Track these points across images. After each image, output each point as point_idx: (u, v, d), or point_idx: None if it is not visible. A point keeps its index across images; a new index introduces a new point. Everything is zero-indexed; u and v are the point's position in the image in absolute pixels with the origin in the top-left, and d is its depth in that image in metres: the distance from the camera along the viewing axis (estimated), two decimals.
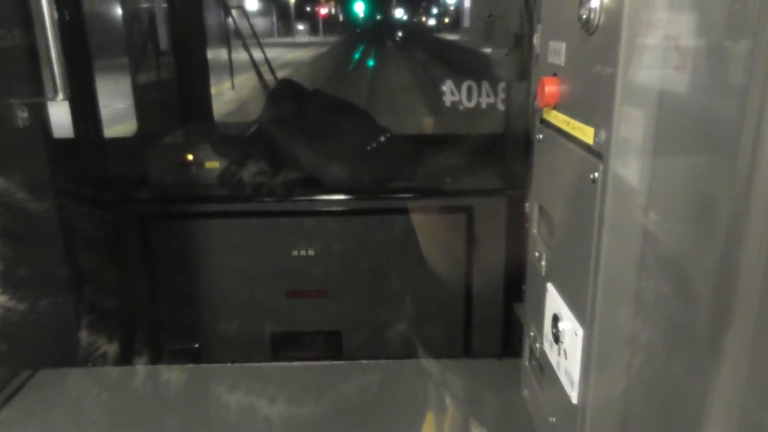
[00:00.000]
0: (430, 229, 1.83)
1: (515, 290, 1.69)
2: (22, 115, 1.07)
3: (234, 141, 2.10)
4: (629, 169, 0.54)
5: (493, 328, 1.83)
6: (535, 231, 0.78)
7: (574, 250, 0.62)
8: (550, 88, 0.65)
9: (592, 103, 0.57)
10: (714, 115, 0.49)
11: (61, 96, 1.04)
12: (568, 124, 0.63)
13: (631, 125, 0.53)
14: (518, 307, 1.69)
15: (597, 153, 0.56)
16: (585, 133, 0.58)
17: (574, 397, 0.63)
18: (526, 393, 0.84)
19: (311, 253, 1.84)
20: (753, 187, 0.44)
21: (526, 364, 0.84)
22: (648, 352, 0.58)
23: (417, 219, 1.80)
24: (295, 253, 1.84)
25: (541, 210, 0.76)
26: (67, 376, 0.96)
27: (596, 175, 0.56)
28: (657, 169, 0.53)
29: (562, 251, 0.67)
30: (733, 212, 0.46)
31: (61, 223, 1.16)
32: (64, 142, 1.59)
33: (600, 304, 0.57)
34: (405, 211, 1.80)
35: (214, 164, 2.04)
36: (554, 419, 0.71)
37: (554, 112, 0.67)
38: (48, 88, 1.06)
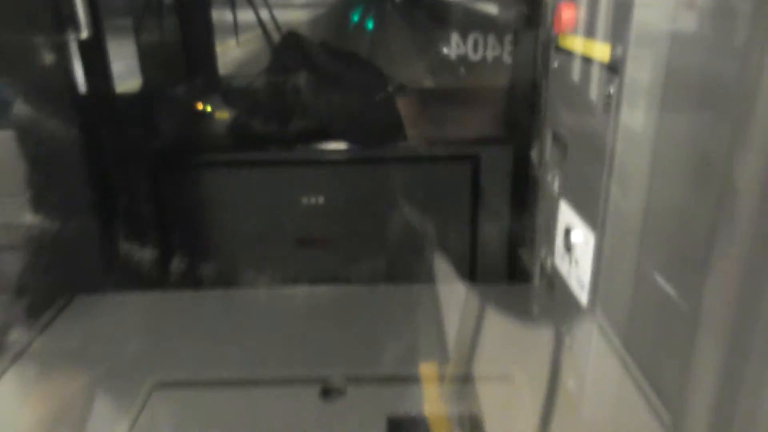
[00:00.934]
0: (436, 177, 1.88)
1: (519, 236, 1.75)
2: (48, 55, 1.11)
3: (243, 92, 2.13)
4: (642, 81, 0.59)
5: (497, 275, 1.89)
6: (548, 156, 0.83)
7: (589, 163, 0.67)
8: (568, 12, 0.69)
9: (610, 22, 0.61)
10: (719, 50, 0.53)
11: (84, 33, 1.07)
12: (584, 46, 0.67)
13: (645, 41, 0.58)
14: (524, 251, 1.75)
15: (613, 68, 0.60)
16: (602, 51, 0.62)
17: (585, 299, 0.69)
18: (536, 309, 0.91)
19: (320, 201, 1.89)
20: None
21: (537, 283, 0.90)
22: (653, 253, 0.63)
23: (424, 167, 1.85)
24: (304, 201, 1.88)
25: (555, 136, 0.81)
26: (103, 302, 1.02)
27: (612, 89, 0.60)
28: (668, 82, 0.58)
29: (576, 168, 0.72)
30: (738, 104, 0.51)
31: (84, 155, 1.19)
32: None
33: (612, 207, 0.63)
34: (412, 160, 1.84)
35: (223, 115, 2.07)
36: (565, 327, 0.77)
37: (570, 38, 0.71)
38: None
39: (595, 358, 0.72)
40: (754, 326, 0.53)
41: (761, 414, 0.55)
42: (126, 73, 2.17)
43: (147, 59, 2.13)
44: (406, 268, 1.39)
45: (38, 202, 0.98)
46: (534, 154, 1.13)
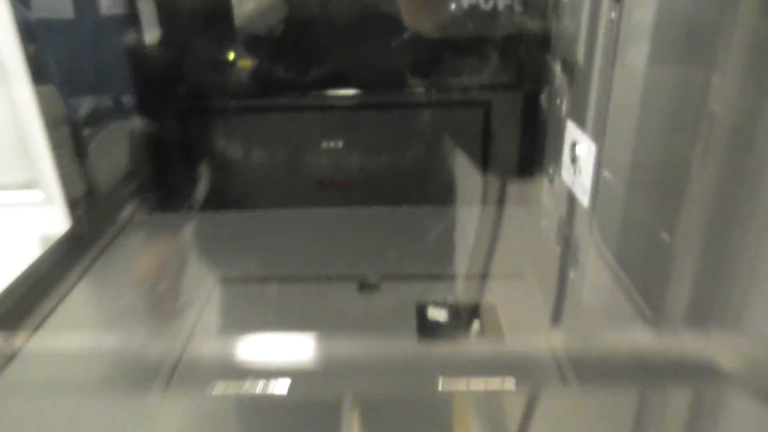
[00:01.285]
0: (448, 121, 1.98)
1: (528, 175, 1.86)
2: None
3: (263, 41, 2.21)
4: (640, 9, 0.70)
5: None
6: (558, 83, 0.94)
7: (592, 82, 0.78)
8: None
9: None
10: None
11: None
12: None
13: None
14: (530, 187, 1.87)
15: None
16: None
17: (586, 201, 0.81)
18: (543, 222, 1.03)
19: (339, 145, 2.00)
20: None
21: (545, 199, 1.02)
22: (647, 159, 0.75)
23: (436, 112, 1.95)
24: (324, 145, 2.00)
25: (563, 64, 0.91)
26: (160, 220, 1.15)
27: (613, 14, 0.71)
28: (662, 9, 0.68)
29: (581, 88, 0.83)
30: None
31: None
32: None
33: (611, 120, 0.74)
34: (425, 105, 1.94)
35: (245, 63, 2.17)
36: (568, 231, 0.90)
37: None
38: None
39: (594, 256, 0.85)
40: (726, 243, 0.63)
41: (728, 312, 0.66)
42: (146, 25, 2.26)
43: (166, 10, 2.22)
44: (423, 199, 1.51)
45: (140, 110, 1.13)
46: (543, 97, 1.23)
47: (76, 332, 0.76)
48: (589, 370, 0.67)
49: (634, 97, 0.73)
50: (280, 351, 0.71)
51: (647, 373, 0.60)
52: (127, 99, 1.59)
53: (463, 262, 0.99)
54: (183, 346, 0.75)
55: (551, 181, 0.98)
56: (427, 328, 0.83)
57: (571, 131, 0.86)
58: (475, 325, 0.86)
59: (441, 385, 0.71)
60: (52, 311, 0.83)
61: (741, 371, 0.48)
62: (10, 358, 0.71)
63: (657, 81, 0.71)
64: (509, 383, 0.71)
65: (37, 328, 0.79)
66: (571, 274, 0.88)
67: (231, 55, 2.14)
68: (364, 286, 0.92)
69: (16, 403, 0.66)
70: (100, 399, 0.65)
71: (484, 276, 0.93)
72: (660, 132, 0.72)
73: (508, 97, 1.95)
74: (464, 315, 0.87)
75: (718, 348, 0.50)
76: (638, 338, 0.65)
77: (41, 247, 1.11)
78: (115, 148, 1.19)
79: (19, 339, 0.74)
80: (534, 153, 1.40)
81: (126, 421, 0.64)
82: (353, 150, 2.02)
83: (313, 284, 0.93)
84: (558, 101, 0.92)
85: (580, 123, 0.84)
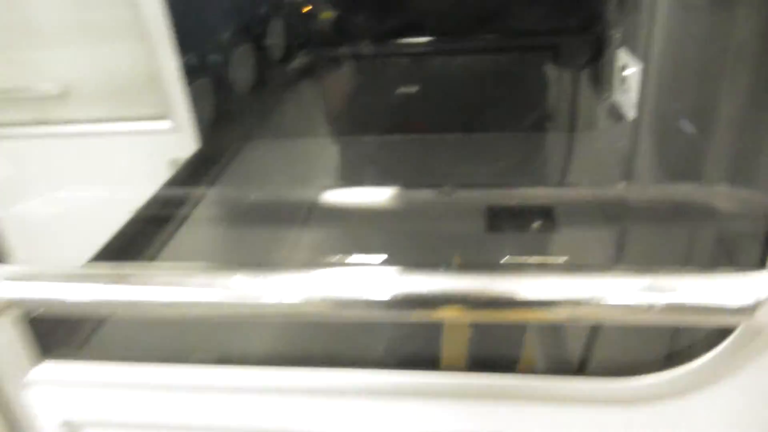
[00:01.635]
0: (517, 65, 2.09)
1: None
2: None
3: None
4: None
5: None
6: (611, 18, 1.07)
7: (656, 12, 0.91)
8: None
9: None
10: None
11: None
12: None
13: None
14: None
15: None
16: None
17: (633, 113, 0.95)
18: (599, 143, 1.17)
19: (413, 90, 2.15)
20: None
21: (600, 121, 1.16)
22: (687, 77, 0.88)
23: (506, 57, 2.06)
24: (399, 90, 2.16)
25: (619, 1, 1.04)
26: (270, 145, 1.37)
27: None
28: None
29: (632, 15, 0.97)
30: None
31: None
32: None
33: (655, 43, 0.87)
34: (495, 51, 2.06)
35: (327, 14, 2.35)
36: (619, 143, 1.04)
37: None
38: None
39: (640, 162, 0.99)
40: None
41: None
42: None
43: None
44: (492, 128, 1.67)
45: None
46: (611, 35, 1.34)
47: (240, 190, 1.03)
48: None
49: (679, 28, 0.86)
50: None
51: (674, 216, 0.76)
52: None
53: (526, 176, 1.15)
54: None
55: (604, 100, 1.12)
56: (493, 224, 1.01)
57: (622, 57, 1.00)
58: (536, 224, 1.03)
59: (506, 260, 0.90)
60: (195, 206, 1.07)
61: (735, 213, 0.62)
62: (197, 202, 0.98)
63: (697, 15, 0.83)
64: (561, 259, 0.89)
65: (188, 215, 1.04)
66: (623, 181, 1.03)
67: (309, 7, 2.32)
68: (441, 193, 1.11)
69: (202, 230, 0.94)
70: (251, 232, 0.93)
71: (543, 185, 1.10)
72: (702, 52, 0.84)
73: (573, 41, 2.04)
74: (527, 215, 1.04)
75: (719, 198, 0.65)
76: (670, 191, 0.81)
77: (171, 169, 1.36)
78: (226, 90, 1.41)
79: (199, 192, 1.02)
80: (594, 85, 1.51)
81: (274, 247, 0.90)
82: (428, 94, 2.18)
83: (397, 190, 1.12)
84: (613, 32, 1.05)
85: (632, 50, 0.97)
